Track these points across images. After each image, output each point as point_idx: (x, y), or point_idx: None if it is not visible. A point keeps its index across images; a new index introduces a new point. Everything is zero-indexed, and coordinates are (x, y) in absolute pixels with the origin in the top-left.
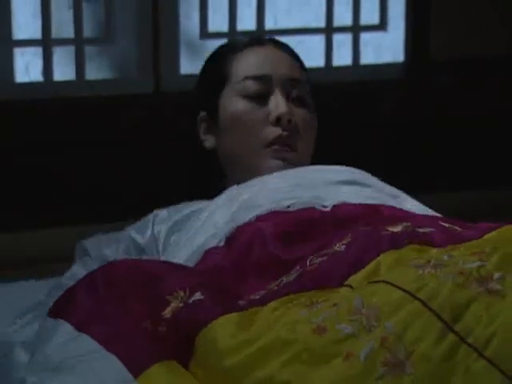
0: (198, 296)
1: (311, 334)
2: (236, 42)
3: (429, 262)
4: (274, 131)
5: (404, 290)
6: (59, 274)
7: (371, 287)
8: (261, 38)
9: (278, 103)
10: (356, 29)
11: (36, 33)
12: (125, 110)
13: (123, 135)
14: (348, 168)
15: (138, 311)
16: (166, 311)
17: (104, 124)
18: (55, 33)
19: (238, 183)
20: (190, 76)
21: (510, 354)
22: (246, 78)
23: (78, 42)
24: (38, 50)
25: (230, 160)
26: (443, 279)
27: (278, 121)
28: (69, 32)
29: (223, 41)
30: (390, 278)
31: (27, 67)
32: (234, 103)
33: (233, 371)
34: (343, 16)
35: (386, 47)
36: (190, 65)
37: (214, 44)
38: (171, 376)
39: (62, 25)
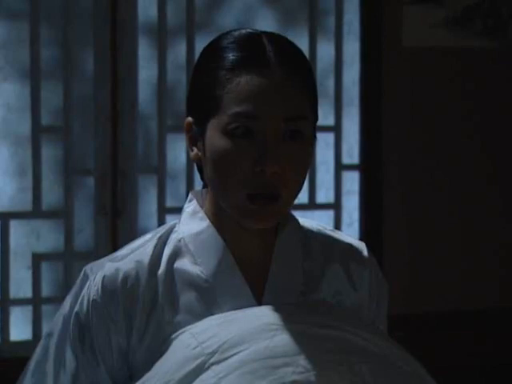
0: None
1: None
2: (234, 51)
3: None
4: (258, 182)
5: None
6: None
7: None
8: (264, 50)
9: (265, 151)
10: None
11: None
12: None
13: None
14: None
15: None
16: None
17: None
18: (13, 292)
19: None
20: None
21: None
22: (235, 114)
23: (36, 301)
24: None
25: (211, 189)
26: None
27: (262, 172)
28: (26, 291)
29: None
30: None
31: None
32: (218, 140)
33: None
34: None
35: None
36: None
37: None
38: None
39: (20, 284)
